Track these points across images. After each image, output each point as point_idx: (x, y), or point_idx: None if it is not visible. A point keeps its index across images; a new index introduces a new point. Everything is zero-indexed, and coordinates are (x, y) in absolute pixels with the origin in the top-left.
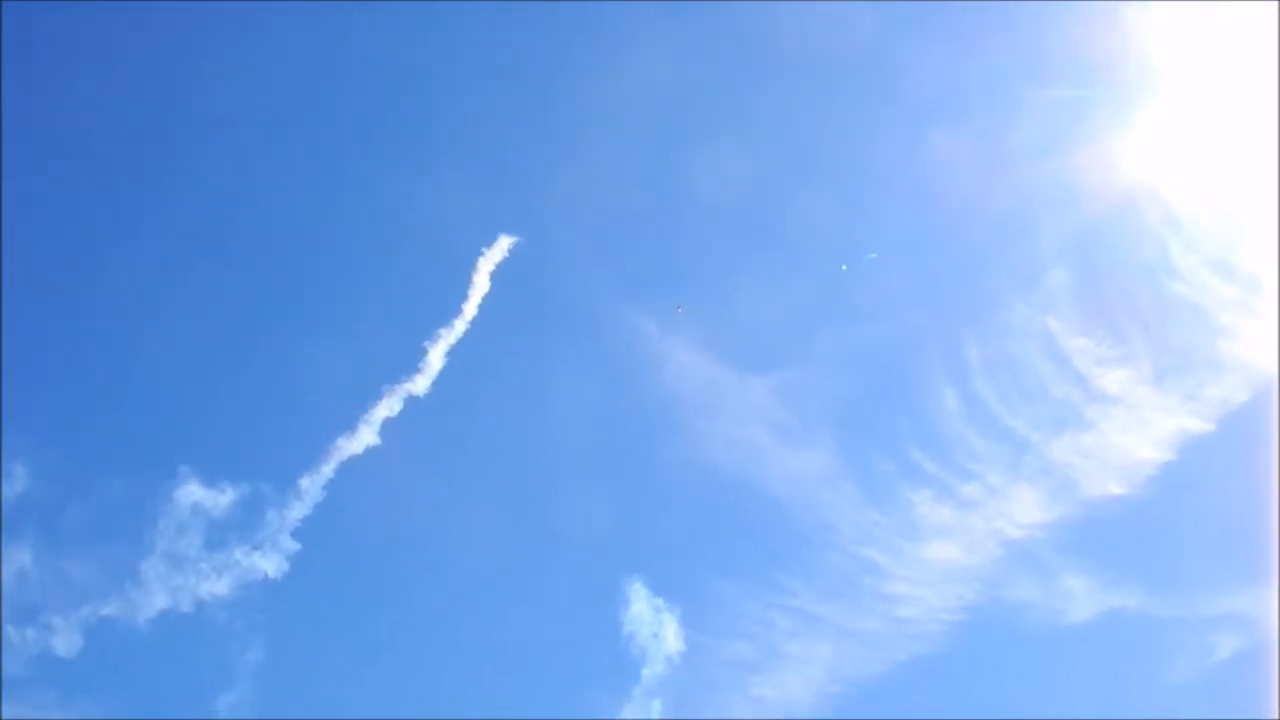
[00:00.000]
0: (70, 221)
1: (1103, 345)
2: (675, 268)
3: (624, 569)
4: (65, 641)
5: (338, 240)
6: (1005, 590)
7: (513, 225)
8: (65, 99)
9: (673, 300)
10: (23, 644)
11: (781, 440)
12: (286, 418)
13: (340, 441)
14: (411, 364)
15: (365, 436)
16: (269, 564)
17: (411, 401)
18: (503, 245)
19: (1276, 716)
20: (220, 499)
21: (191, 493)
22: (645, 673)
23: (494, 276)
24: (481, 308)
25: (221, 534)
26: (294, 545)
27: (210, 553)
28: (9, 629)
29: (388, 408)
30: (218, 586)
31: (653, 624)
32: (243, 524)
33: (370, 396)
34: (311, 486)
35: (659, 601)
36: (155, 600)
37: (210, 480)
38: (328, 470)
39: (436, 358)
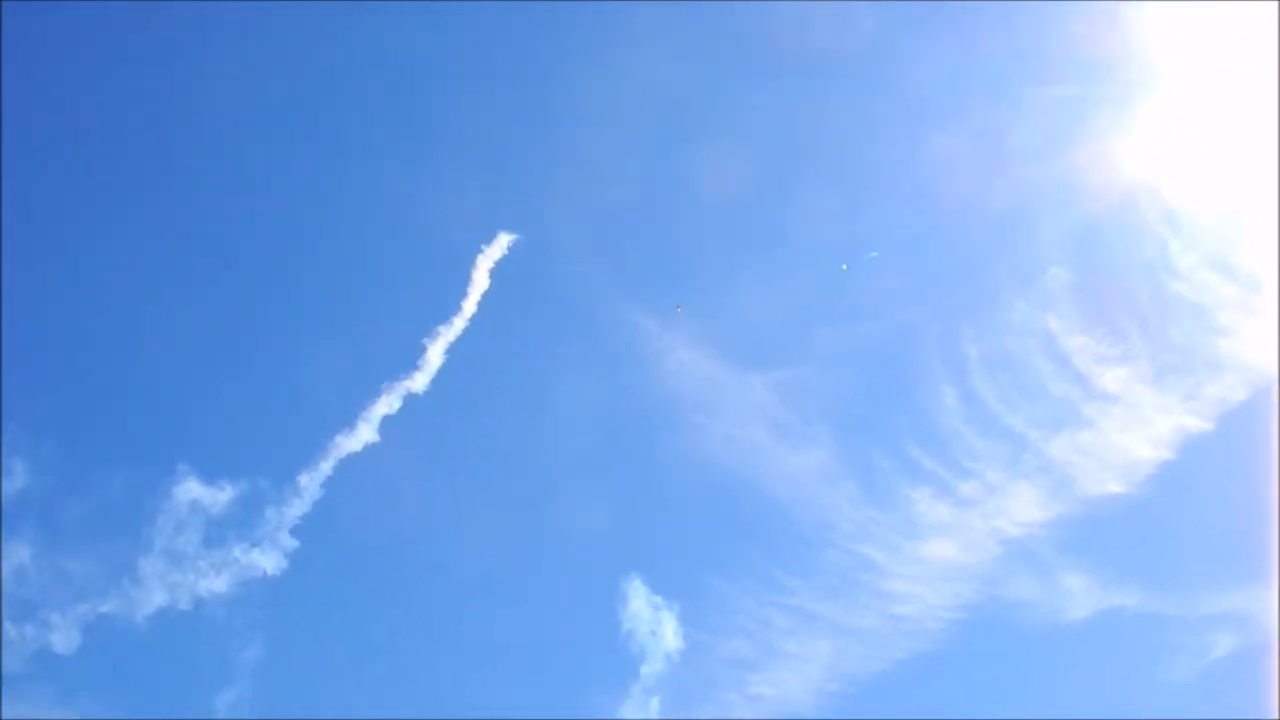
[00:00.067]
0: (69, 218)
1: (1102, 344)
2: (675, 265)
3: (623, 566)
4: (64, 638)
5: (337, 237)
6: (1004, 588)
7: (512, 222)
8: (65, 98)
9: (672, 297)
10: (21, 641)
11: (780, 438)
12: (285, 415)
13: (339, 439)
14: (411, 361)
15: (364, 434)
16: (268, 561)
17: (410, 399)
18: (502, 242)
19: (1275, 716)
20: (219, 496)
21: (190, 490)
22: (644, 670)
23: (493, 274)
24: (481, 305)
25: (220, 531)
26: (293, 543)
27: (209, 550)
28: (8, 626)
29: (387, 405)
30: (216, 584)
31: (651, 621)
32: (241, 521)
33: (369, 394)
34: (310, 484)
35: (658, 599)
36: (154, 597)
37: (209, 477)
38: (327, 468)
39: (436, 355)
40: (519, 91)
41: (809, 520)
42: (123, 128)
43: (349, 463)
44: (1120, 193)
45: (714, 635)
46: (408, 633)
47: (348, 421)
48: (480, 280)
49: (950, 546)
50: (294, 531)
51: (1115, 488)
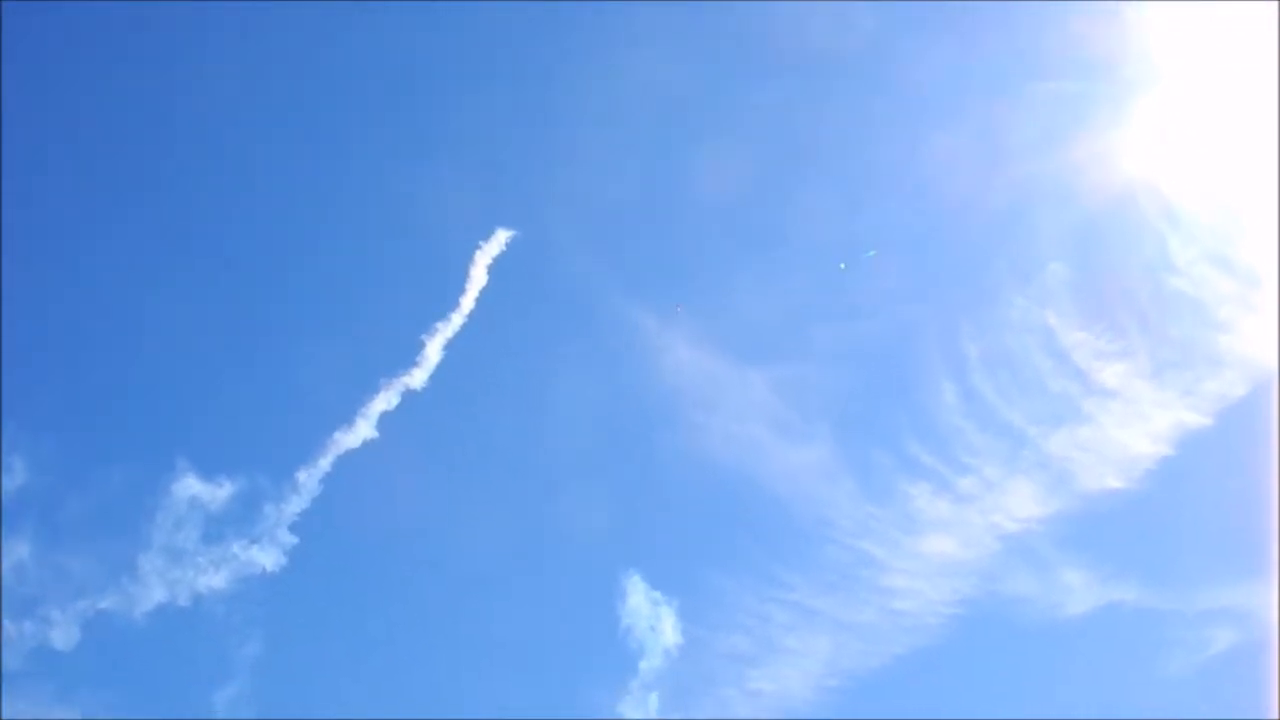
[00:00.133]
0: (68, 215)
1: (1101, 339)
2: (674, 262)
3: (622, 562)
4: (63, 635)
5: (335, 234)
6: (1002, 584)
7: (510, 220)
8: (65, 98)
9: (671, 294)
10: (20, 638)
11: (780, 434)
12: (284, 411)
13: (337, 435)
14: (409, 358)
15: (362, 430)
16: (266, 558)
17: (409, 395)
18: (500, 239)
19: (1274, 711)
20: (218, 492)
21: (189, 486)
22: (643, 666)
23: (491, 270)
24: (479, 301)
25: (219, 527)
26: (291, 539)
27: (208, 546)
28: (7, 623)
29: (385, 401)
30: (215, 580)
31: (650, 617)
32: (240, 518)
33: (367, 390)
34: (309, 480)
35: (657, 595)
36: (153, 594)
37: (208, 474)
38: (325, 464)
39: (434, 351)
40: (519, 91)
41: (808, 516)
42: (122, 127)
43: (347, 459)
44: (1119, 189)
45: (713, 631)
46: (406, 629)
47: (346, 418)
48: (478, 276)
49: (949, 542)
50: (293, 528)
51: (1114, 483)
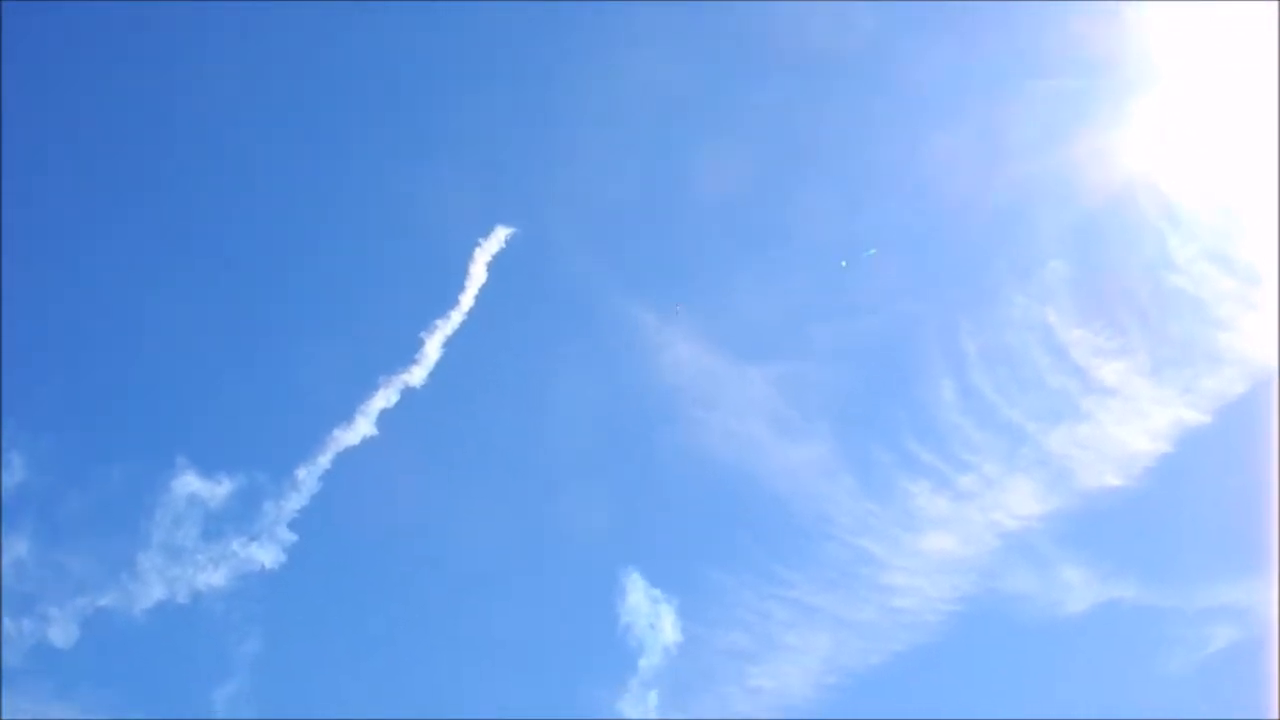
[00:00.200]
0: (68, 214)
1: (1100, 337)
2: (674, 260)
3: (621, 560)
4: (62, 632)
5: (334, 231)
6: (1002, 581)
7: (510, 218)
8: (65, 98)
9: (671, 292)
10: (20, 635)
11: (779, 432)
12: (283, 409)
13: (337, 432)
14: (408, 355)
15: (362, 427)
16: (266, 555)
17: (408, 393)
18: (499, 236)
19: (1273, 708)
20: (217, 490)
21: (188, 483)
22: (642, 663)
23: (491, 267)
24: (478, 299)
25: (218, 525)
26: (291, 536)
27: (207, 544)
28: (6, 620)
29: (384, 399)
30: (214, 577)
31: (650, 615)
32: (239, 515)
33: (367, 387)
34: (308, 477)
35: (656, 592)
36: (152, 591)
37: (207, 471)
38: (324, 461)
39: (433, 349)
40: (519, 91)
41: (808, 513)
42: (122, 127)
43: (347, 456)
44: (1119, 187)
45: (712, 628)
46: (405, 626)
47: (345, 415)
48: (478, 273)
49: (949, 539)
50: (292, 525)
51: (1113, 480)
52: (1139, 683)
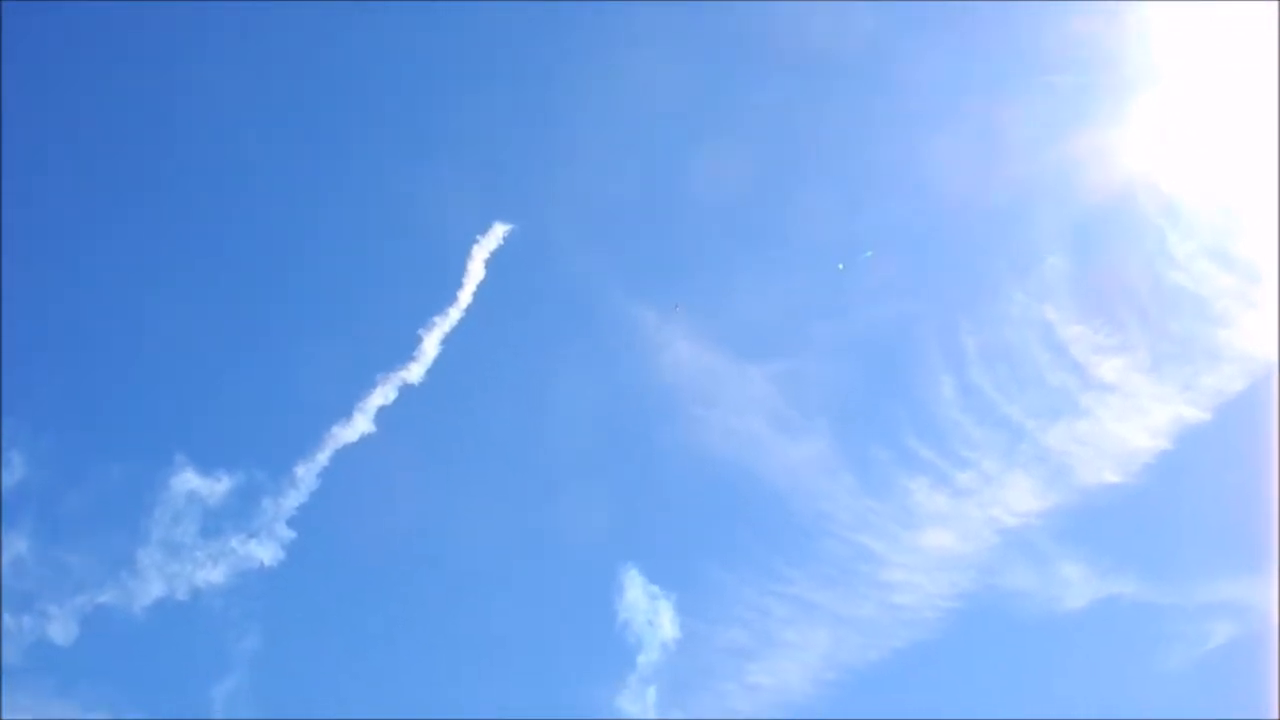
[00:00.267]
0: (68, 213)
1: (1100, 333)
2: (673, 258)
3: (620, 556)
4: (62, 630)
5: (333, 229)
6: (1001, 577)
7: (509, 216)
8: (65, 98)
9: (671, 290)
10: (19, 632)
11: (779, 429)
12: (282, 406)
13: (335, 430)
14: (406, 352)
15: (360, 425)
16: (264, 552)
17: (406, 389)
18: (498, 233)
19: (1273, 705)
20: (216, 487)
21: (187, 481)
22: (641, 660)
23: (489, 264)
24: (476, 295)
25: (217, 522)
26: (289, 533)
27: (206, 541)
28: (6, 617)
29: (382, 396)
30: (213, 574)
31: (648, 611)
32: (238, 512)
33: (365, 385)
34: (307, 475)
35: (655, 589)
36: (151, 588)
37: (206, 468)
38: (323, 458)
39: (431, 346)
40: (519, 90)
41: (807, 510)
42: (122, 127)
43: (345, 454)
44: (1118, 184)
45: (711, 625)
46: (404, 623)
47: (344, 412)
48: (476, 270)
49: (948, 536)
50: (290, 522)
51: (1112, 477)
52: (1138, 679)
